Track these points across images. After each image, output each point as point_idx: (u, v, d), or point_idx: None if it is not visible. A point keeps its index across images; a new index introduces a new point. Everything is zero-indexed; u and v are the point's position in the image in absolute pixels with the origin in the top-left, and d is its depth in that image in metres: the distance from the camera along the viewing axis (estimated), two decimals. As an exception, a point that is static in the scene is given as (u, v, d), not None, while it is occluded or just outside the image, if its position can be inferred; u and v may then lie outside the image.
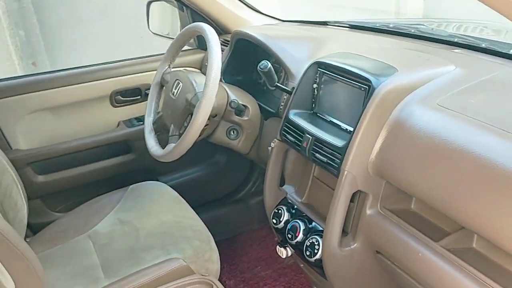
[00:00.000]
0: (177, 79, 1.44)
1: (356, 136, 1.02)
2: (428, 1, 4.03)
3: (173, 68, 1.57)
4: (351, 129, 1.07)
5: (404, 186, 0.96)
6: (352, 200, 1.07)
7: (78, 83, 1.69)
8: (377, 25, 1.57)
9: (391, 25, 1.55)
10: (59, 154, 1.68)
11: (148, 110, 1.55)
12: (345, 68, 1.13)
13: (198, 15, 1.79)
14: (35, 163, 1.67)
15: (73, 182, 1.75)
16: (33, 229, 1.71)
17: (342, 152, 1.04)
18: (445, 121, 0.90)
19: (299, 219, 1.22)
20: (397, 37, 1.45)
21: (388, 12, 4.02)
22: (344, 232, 1.10)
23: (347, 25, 1.65)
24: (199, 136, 1.42)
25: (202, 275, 1.25)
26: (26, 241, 1.46)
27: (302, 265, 1.33)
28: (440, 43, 1.32)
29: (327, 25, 1.72)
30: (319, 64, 1.22)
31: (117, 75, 1.75)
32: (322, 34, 1.61)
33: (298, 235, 1.19)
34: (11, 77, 1.65)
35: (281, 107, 1.38)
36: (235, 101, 1.41)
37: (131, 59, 1.81)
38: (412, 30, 1.45)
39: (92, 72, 1.72)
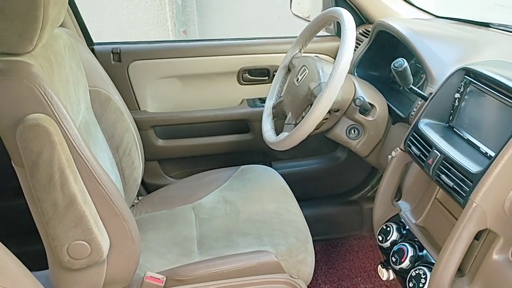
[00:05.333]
0: (304, 65, 1.36)
1: (497, 164, 0.84)
2: None
3: (304, 53, 1.50)
4: (493, 154, 0.90)
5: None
6: (476, 237, 0.90)
7: (210, 55, 1.70)
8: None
9: None
10: (181, 122, 1.72)
11: (271, 93, 1.51)
12: (499, 81, 0.93)
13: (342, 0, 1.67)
14: (157, 126, 1.73)
15: (189, 152, 1.78)
16: (148, 188, 1.81)
17: (475, 179, 0.87)
18: None
19: (408, 242, 1.08)
20: None
21: None
22: (460, 271, 0.94)
23: (515, 30, 1.38)
24: (316, 129, 1.33)
25: (291, 277, 1.18)
26: (138, 199, 1.54)
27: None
28: None
29: (489, 27, 1.47)
30: (467, 71, 1.04)
31: (248, 53, 1.73)
32: (480, 36, 1.38)
33: (404, 260, 1.05)
34: (150, 41, 1.72)
35: (413, 113, 1.21)
36: (361, 98, 1.28)
37: (264, 38, 1.77)
38: None
39: (224, 47, 1.72)
